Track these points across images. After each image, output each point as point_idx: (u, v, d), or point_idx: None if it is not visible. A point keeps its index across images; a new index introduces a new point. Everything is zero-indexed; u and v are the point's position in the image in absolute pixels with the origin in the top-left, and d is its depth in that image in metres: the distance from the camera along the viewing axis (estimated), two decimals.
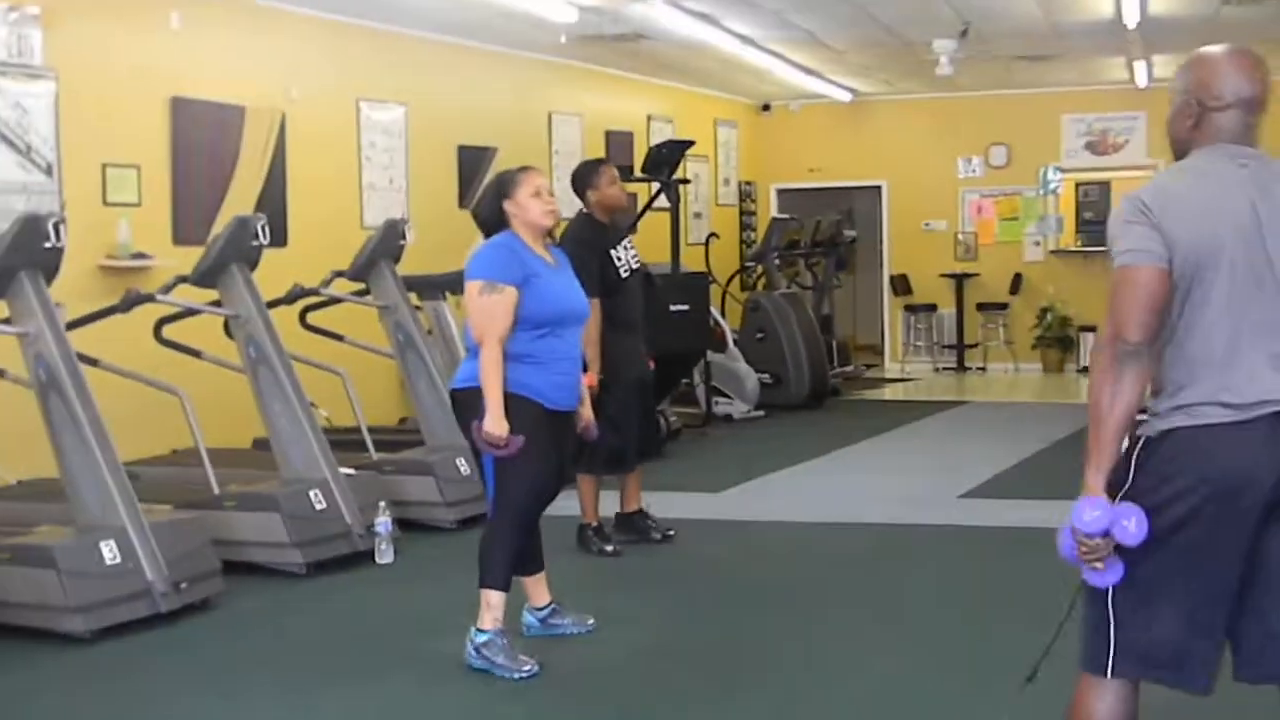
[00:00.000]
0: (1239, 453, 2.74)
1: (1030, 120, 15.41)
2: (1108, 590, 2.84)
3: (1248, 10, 10.17)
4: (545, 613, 5.29)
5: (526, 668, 4.76)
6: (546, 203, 4.94)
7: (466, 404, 4.86)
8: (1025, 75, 14.01)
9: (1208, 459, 2.76)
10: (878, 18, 10.46)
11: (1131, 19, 10.24)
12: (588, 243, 6.48)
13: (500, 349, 4.72)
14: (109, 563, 5.44)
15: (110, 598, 5.42)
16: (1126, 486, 2.81)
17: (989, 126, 15.60)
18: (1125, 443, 2.88)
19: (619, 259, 6.62)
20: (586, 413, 5.21)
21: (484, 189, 5.20)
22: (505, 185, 4.98)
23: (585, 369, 6.21)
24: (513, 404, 4.72)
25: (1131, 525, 2.72)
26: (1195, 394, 2.78)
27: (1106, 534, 2.73)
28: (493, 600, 4.83)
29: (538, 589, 5.29)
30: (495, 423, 4.65)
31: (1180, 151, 2.95)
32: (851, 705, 4.54)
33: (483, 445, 4.71)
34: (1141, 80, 14.08)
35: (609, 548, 6.67)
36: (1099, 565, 2.78)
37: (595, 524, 6.74)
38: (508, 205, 4.93)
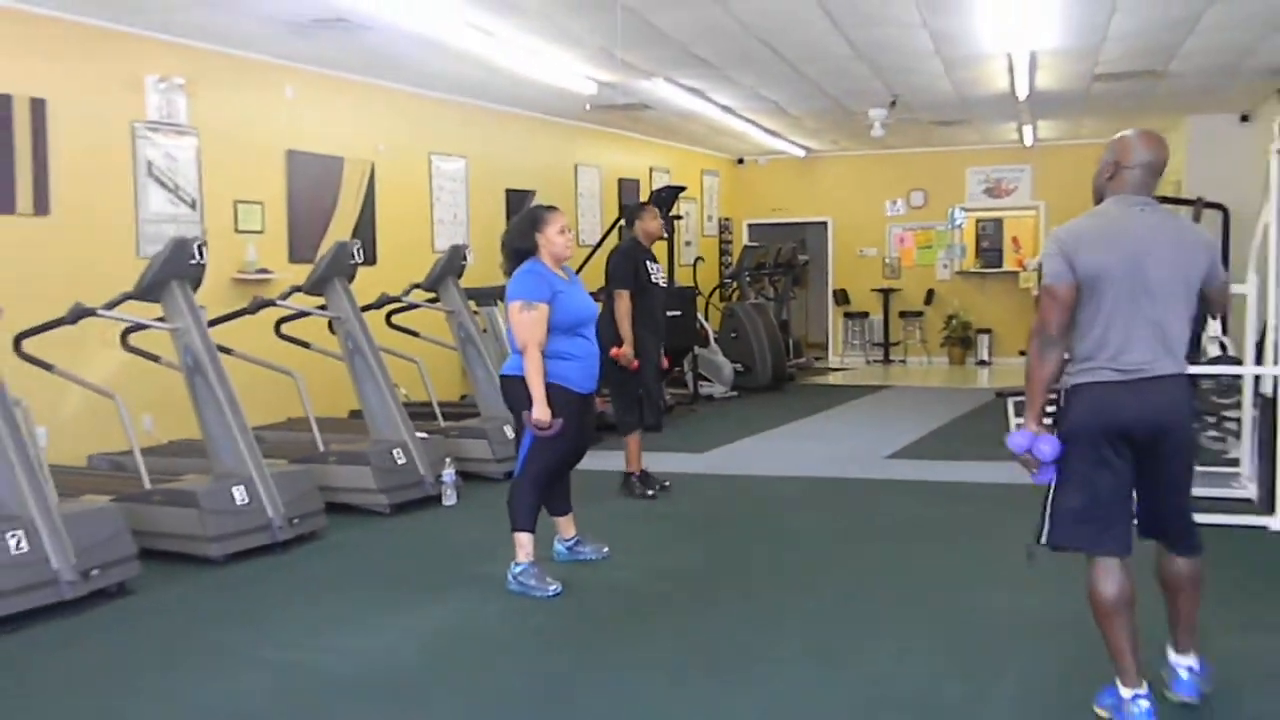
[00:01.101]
0: (1119, 400, 3.23)
1: (942, 171, 15.37)
2: (1070, 498, 3.27)
3: (1111, 86, 10.15)
4: (571, 543, 5.32)
5: (553, 587, 4.78)
6: (568, 238, 4.97)
7: (511, 388, 4.89)
8: (939, 136, 13.99)
9: (1100, 403, 3.24)
10: (827, 92, 10.44)
11: (1022, 93, 10.22)
12: (629, 253, 6.74)
13: (540, 353, 4.74)
14: (239, 503, 5.47)
15: (239, 530, 5.45)
16: (1062, 420, 3.31)
17: (910, 176, 15.56)
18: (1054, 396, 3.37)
19: (651, 268, 6.74)
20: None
21: (516, 221, 5.12)
22: (538, 221, 4.94)
23: (620, 344, 6.35)
24: (554, 392, 4.74)
25: (1046, 448, 3.23)
26: (1098, 362, 3.24)
27: (1029, 452, 3.24)
28: (522, 540, 4.86)
29: (566, 526, 5.31)
30: (541, 411, 4.69)
31: (1098, 197, 3.38)
32: (806, 608, 4.54)
33: (533, 429, 4.72)
34: (1028, 140, 14.06)
35: (650, 492, 6.69)
36: (1033, 470, 3.30)
37: (638, 473, 6.75)
38: (539, 237, 4.91)
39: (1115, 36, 8.12)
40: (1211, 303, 3.40)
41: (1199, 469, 6.84)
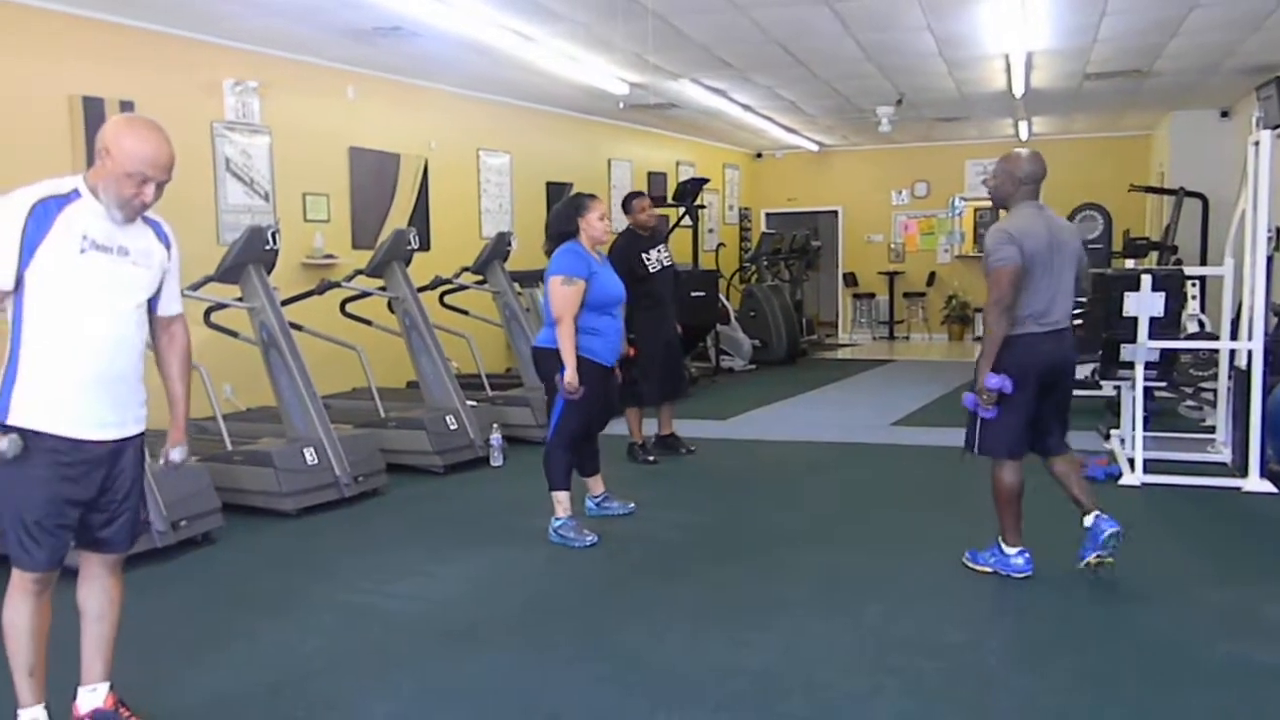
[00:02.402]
0: (1039, 347, 4.05)
1: (944, 163, 15.24)
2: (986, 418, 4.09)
3: (1100, 84, 10.03)
4: (600, 499, 5.34)
5: (589, 538, 4.82)
6: (606, 224, 4.96)
7: (543, 358, 4.90)
8: (941, 131, 13.87)
9: (1027, 350, 4.03)
10: (839, 91, 10.36)
11: (1018, 91, 10.12)
12: (623, 249, 6.53)
13: (573, 325, 4.75)
14: (309, 463, 5.54)
15: (310, 487, 5.52)
16: (1001, 364, 4.02)
17: (914, 168, 15.44)
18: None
19: (648, 258, 6.58)
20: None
21: (560, 206, 5.12)
22: (581, 207, 4.94)
23: None
24: (582, 364, 4.75)
25: (1009, 385, 3.99)
26: (1028, 318, 4.03)
27: (999, 390, 3.98)
28: (559, 497, 4.90)
29: (595, 484, 5.33)
30: (572, 376, 4.71)
31: (1000, 203, 4.24)
32: (818, 560, 4.56)
33: (564, 393, 4.74)
34: (1024, 134, 13.91)
35: (650, 458, 6.68)
36: (990, 407, 4.03)
37: (640, 441, 6.75)
38: (581, 221, 4.91)
39: (1105, 38, 8.01)
40: (1079, 279, 4.18)
41: (1178, 435, 6.87)
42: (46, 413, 2.66)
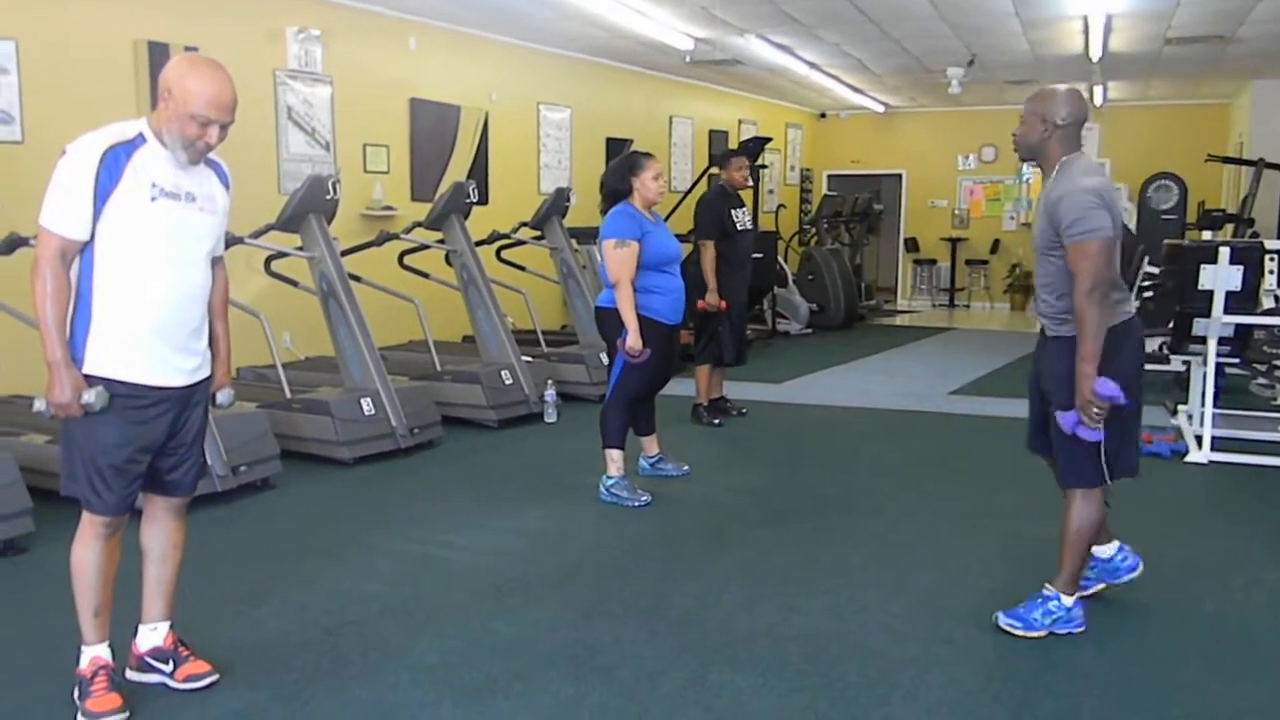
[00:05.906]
0: (1138, 335, 3.24)
1: (1014, 128, 14.81)
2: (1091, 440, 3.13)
3: (1180, 50, 9.71)
4: (654, 460, 5.34)
5: (643, 498, 4.82)
6: (660, 185, 4.91)
7: (605, 318, 4.90)
8: (1012, 94, 13.48)
9: (1129, 339, 3.18)
10: (909, 50, 10.15)
11: (1095, 54, 9.83)
12: (715, 203, 6.56)
13: (631, 287, 4.73)
14: (367, 414, 5.60)
15: (367, 437, 5.58)
16: (1113, 363, 3.08)
17: (982, 132, 15.08)
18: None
19: (736, 216, 6.57)
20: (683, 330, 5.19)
21: (615, 164, 5.08)
22: (636, 166, 4.89)
23: (704, 294, 6.30)
24: (644, 323, 4.74)
25: (1120, 394, 3.04)
26: (1120, 300, 3.20)
27: (1111, 400, 3.02)
28: (614, 455, 4.90)
29: (650, 444, 5.33)
30: (635, 340, 4.70)
31: (1031, 154, 3.36)
32: (871, 528, 4.54)
33: (626, 356, 4.74)
34: (1099, 100, 13.50)
35: (716, 421, 6.65)
36: (1099, 426, 3.06)
37: (705, 403, 6.72)
38: (634, 181, 4.86)
39: (1188, 0, 7.74)
40: (1125, 248, 3.61)
41: (1248, 413, 6.70)
42: (120, 361, 2.70)
